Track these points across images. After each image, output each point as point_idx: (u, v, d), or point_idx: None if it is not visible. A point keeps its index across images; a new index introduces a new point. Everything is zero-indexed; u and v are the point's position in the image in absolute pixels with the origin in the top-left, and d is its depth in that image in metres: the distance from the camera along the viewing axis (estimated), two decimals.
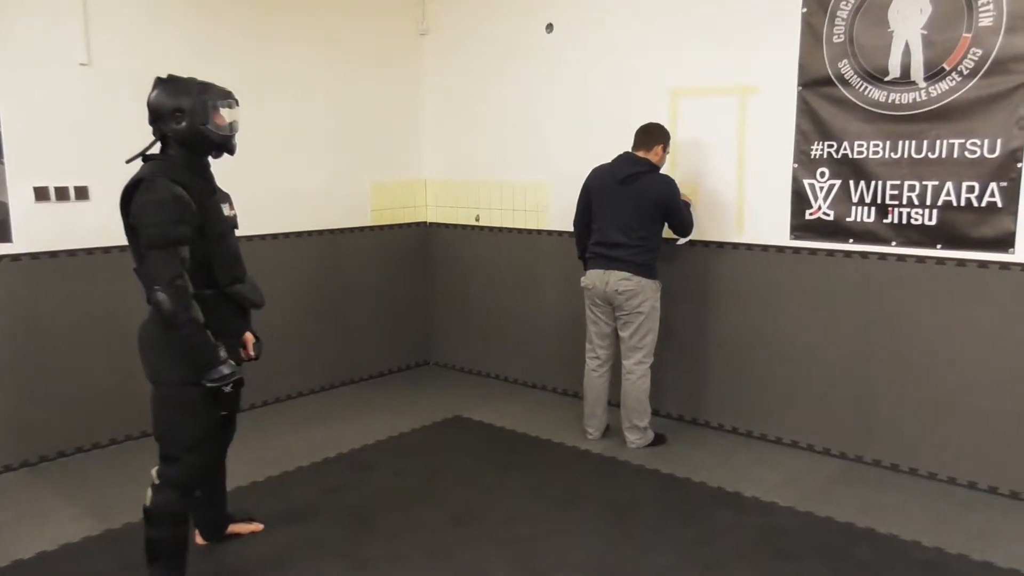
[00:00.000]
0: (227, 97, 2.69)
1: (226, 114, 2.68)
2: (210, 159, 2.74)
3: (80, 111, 3.93)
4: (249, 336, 2.97)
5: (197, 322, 2.51)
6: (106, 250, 4.04)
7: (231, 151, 2.74)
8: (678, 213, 3.97)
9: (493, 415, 4.63)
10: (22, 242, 3.82)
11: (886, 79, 3.63)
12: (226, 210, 2.75)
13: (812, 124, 3.87)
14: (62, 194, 3.91)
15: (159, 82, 2.64)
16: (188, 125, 2.60)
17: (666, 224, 4.03)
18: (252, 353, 2.98)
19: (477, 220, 5.37)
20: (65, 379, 3.97)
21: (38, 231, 3.85)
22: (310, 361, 5.06)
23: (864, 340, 3.84)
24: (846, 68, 3.72)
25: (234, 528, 3.18)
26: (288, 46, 4.74)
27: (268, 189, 4.72)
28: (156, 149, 2.68)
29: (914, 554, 3.04)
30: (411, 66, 5.45)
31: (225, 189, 2.87)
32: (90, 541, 3.15)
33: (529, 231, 5.07)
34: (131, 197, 2.53)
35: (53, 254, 3.90)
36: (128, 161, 2.67)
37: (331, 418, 4.61)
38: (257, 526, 3.24)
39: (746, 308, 4.19)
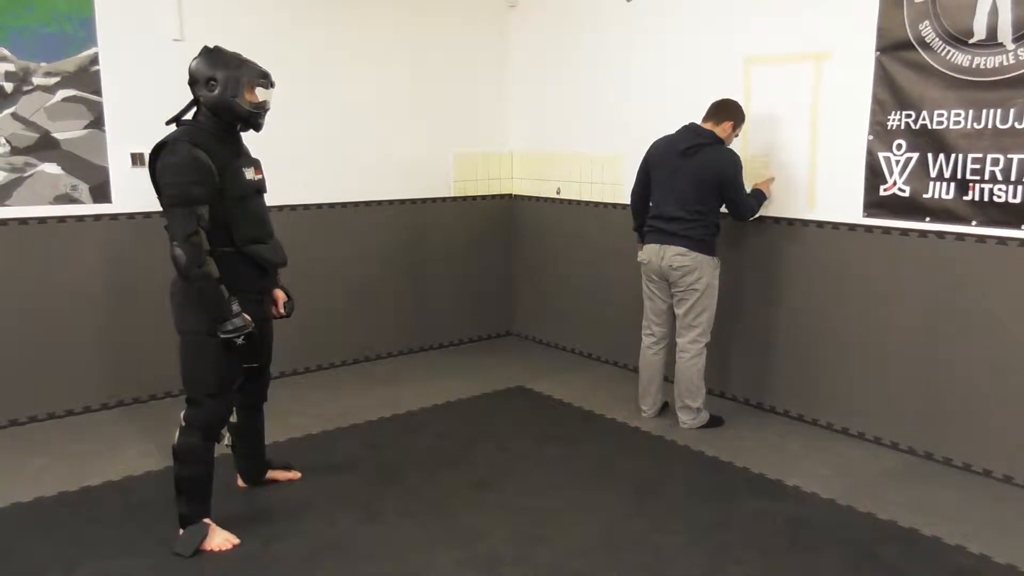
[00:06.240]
0: (263, 77, 2.83)
1: (260, 93, 2.83)
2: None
3: (172, 83, 4.25)
4: (279, 294, 3.14)
5: (210, 277, 2.68)
6: None
7: (257, 128, 2.88)
8: (736, 192, 3.76)
9: (556, 387, 4.63)
10: (120, 203, 4.22)
11: (970, 41, 3.27)
12: (249, 174, 2.88)
13: (889, 92, 3.56)
14: None
15: (204, 51, 2.82)
16: (219, 95, 2.76)
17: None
18: (282, 311, 3.15)
19: (558, 193, 5.34)
20: (158, 329, 4.32)
21: (134, 193, 4.22)
22: (388, 326, 5.25)
23: (939, 327, 3.52)
24: (927, 30, 3.39)
25: (272, 475, 3.38)
26: (374, 15, 4.90)
27: (351, 157, 4.92)
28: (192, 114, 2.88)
29: (952, 559, 2.78)
30: (499, 38, 5.48)
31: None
32: (150, 475, 3.46)
33: (605, 204, 4.99)
34: (156, 158, 2.73)
35: (147, 215, 4.27)
36: (167, 123, 2.88)
37: (399, 381, 4.77)
38: (294, 474, 3.42)
39: (815, 289, 3.94)
